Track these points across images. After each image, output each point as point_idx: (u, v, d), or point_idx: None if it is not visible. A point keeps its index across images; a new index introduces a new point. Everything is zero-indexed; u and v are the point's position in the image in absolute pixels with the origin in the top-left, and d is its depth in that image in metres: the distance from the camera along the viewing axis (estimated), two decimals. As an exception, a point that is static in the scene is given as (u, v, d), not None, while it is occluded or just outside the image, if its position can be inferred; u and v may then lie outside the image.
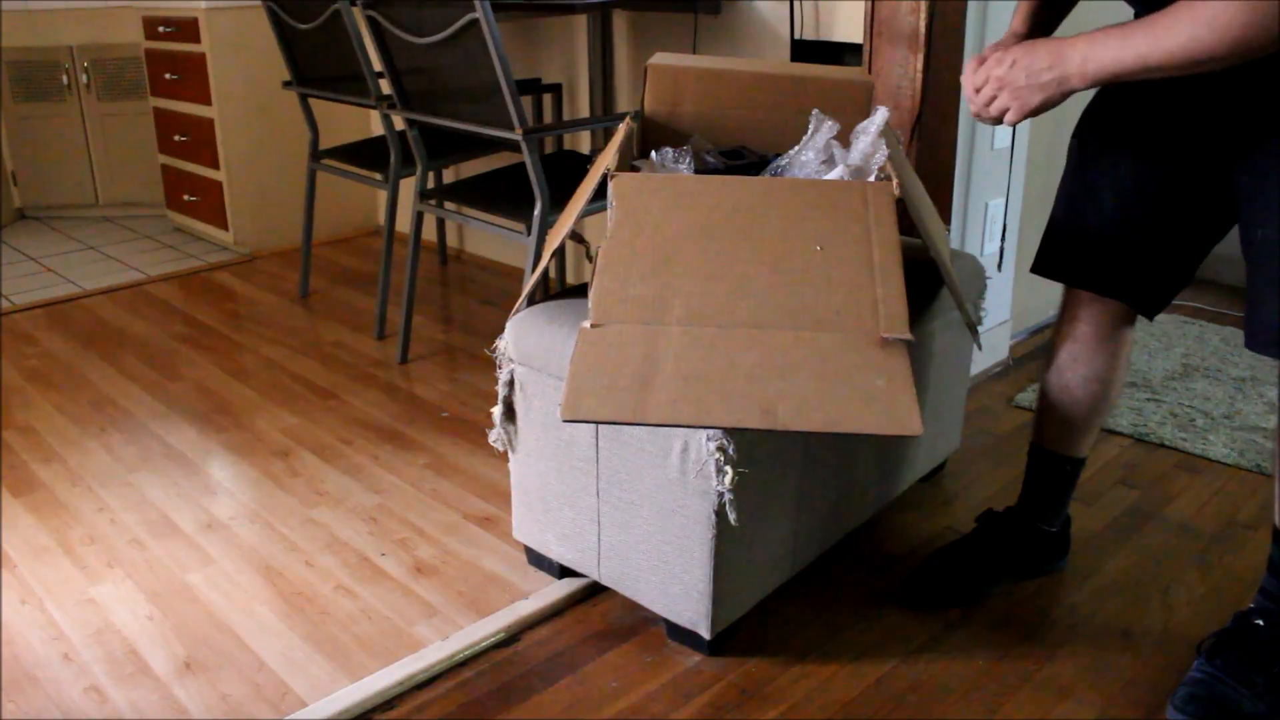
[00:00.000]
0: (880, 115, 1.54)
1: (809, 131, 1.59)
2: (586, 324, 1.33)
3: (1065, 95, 1.25)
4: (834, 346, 1.30)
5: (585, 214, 1.65)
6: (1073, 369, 1.61)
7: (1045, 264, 1.59)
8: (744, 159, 1.66)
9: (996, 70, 1.28)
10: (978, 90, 1.32)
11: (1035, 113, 1.28)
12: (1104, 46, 1.18)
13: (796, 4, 2.36)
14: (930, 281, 1.75)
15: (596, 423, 1.35)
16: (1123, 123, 1.48)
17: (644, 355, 1.29)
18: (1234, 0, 1.05)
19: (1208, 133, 1.39)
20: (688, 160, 1.58)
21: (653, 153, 1.60)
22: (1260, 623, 1.44)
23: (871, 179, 1.51)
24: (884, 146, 1.52)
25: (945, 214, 2.28)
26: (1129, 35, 1.16)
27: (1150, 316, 1.57)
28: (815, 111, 1.59)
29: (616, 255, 1.41)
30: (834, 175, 1.53)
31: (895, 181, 1.47)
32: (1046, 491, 1.71)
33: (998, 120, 1.32)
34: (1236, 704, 1.40)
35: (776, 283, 1.37)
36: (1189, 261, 1.51)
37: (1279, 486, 1.42)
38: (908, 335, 1.31)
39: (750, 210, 1.45)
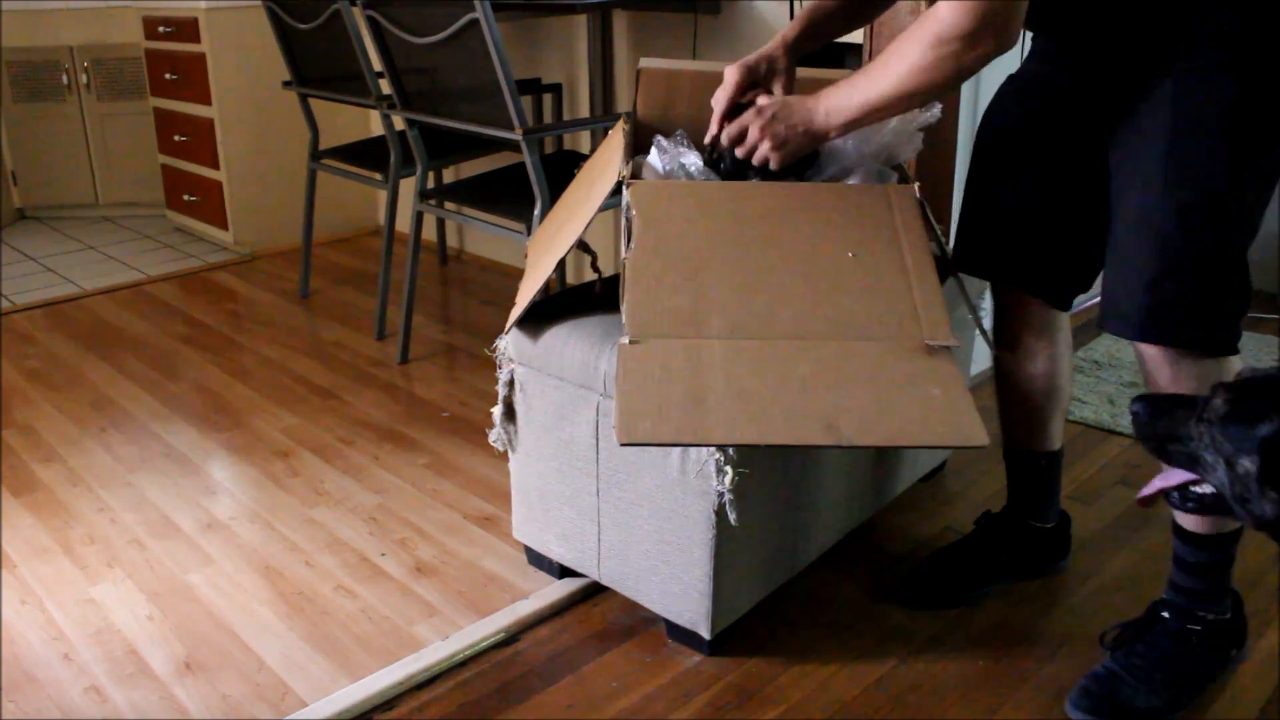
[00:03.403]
0: (935, 109, 1.53)
1: None
2: (625, 340, 1.27)
3: (818, 143, 1.41)
4: (883, 356, 1.26)
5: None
6: (1016, 366, 1.63)
7: (958, 260, 1.62)
8: None
9: (757, 122, 1.40)
10: (734, 139, 1.44)
11: (793, 159, 1.42)
12: (838, 98, 1.34)
13: (796, 4, 2.36)
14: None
15: (656, 445, 1.30)
16: (1013, 123, 1.51)
17: (691, 372, 1.24)
18: (923, 49, 1.23)
19: (1088, 121, 1.41)
20: (691, 151, 1.54)
21: (659, 139, 1.55)
22: (1166, 615, 1.44)
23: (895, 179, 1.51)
24: (917, 132, 1.51)
25: (946, 214, 2.28)
26: (855, 85, 1.32)
27: (1063, 308, 1.59)
28: None
29: (644, 266, 1.35)
30: (861, 163, 1.51)
31: (917, 184, 1.46)
32: (1028, 489, 1.71)
33: (762, 167, 1.44)
34: (1131, 700, 1.40)
35: (812, 291, 1.33)
36: (1093, 252, 1.50)
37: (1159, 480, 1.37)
38: (953, 341, 1.28)
39: (775, 217, 1.42)
